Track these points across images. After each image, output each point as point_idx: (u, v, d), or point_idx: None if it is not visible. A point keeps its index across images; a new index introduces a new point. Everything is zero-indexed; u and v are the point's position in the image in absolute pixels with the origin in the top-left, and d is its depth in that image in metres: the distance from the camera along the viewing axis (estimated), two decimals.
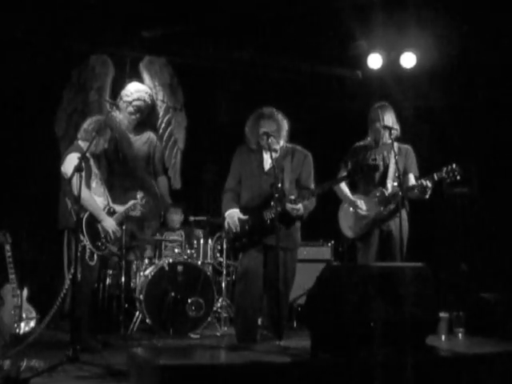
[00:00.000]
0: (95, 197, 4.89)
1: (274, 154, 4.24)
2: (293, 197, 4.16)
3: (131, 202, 5.14)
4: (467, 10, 6.08)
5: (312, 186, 4.38)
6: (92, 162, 4.97)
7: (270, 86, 7.56)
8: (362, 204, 4.67)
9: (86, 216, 4.74)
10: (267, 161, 4.37)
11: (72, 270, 4.21)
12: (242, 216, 4.31)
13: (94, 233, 4.80)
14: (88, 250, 4.71)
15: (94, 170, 4.97)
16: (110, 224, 4.89)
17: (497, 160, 6.16)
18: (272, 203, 4.12)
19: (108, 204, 5.02)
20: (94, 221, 4.81)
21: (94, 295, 5.73)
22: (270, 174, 4.26)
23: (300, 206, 4.17)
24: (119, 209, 5.08)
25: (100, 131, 4.88)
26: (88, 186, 4.80)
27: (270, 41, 7.18)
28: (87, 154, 4.81)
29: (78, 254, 4.28)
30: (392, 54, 7.03)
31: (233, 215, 4.32)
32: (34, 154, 6.79)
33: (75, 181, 4.37)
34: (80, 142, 4.95)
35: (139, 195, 5.19)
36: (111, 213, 4.99)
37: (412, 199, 4.66)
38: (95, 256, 4.77)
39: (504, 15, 5.91)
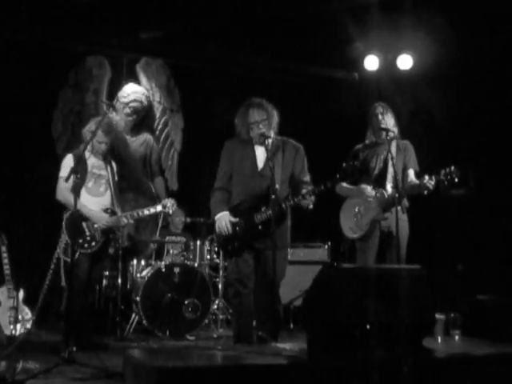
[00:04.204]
0: (89, 196, 4.87)
1: (266, 149, 4.21)
2: (304, 190, 4.13)
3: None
4: (464, 11, 6.09)
5: (307, 177, 4.36)
6: (89, 162, 4.95)
7: (266, 88, 7.54)
8: (368, 187, 4.68)
9: (67, 215, 4.76)
10: (260, 158, 4.34)
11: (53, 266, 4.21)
12: (232, 219, 4.26)
13: (77, 231, 4.74)
14: (69, 247, 4.67)
15: (94, 170, 4.95)
16: (97, 219, 4.83)
17: (494, 161, 6.17)
18: (263, 208, 4.15)
19: (112, 204, 4.98)
20: (78, 219, 4.76)
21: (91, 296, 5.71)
22: (264, 175, 4.25)
23: (313, 198, 4.12)
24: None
25: (108, 133, 4.90)
26: (79, 187, 4.76)
27: (266, 42, 7.18)
28: (86, 155, 4.83)
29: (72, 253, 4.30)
30: (389, 55, 7.03)
31: (223, 219, 4.26)
32: (31, 155, 6.78)
33: (66, 183, 4.40)
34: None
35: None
36: (108, 213, 4.94)
37: (410, 197, 4.67)
38: (77, 254, 4.67)
39: (501, 16, 5.91)
